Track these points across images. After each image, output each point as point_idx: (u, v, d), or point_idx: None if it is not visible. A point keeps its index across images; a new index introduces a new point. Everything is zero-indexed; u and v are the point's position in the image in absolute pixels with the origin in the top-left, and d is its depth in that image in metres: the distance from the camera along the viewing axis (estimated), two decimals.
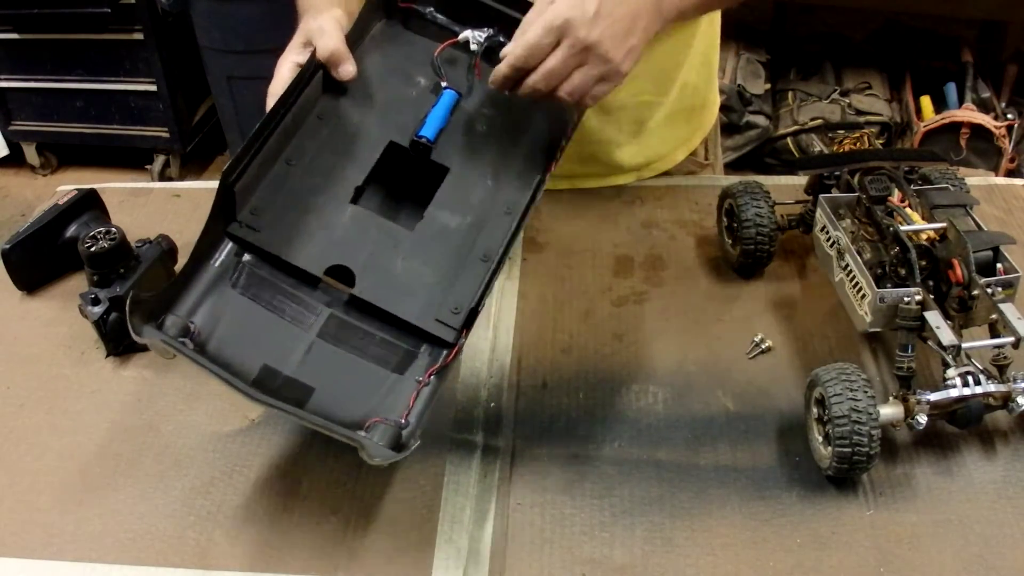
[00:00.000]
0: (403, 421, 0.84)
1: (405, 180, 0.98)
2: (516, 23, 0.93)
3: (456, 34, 1.00)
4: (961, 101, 2.77)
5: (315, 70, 0.97)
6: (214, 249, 0.91)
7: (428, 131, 0.96)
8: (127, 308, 0.81)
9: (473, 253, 0.92)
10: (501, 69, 0.93)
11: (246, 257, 0.92)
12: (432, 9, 1.03)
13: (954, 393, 0.86)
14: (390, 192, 0.99)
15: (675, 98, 1.27)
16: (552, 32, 0.89)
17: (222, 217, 0.91)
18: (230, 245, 0.92)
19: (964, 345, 0.87)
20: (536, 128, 1.01)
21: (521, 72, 0.92)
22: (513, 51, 0.91)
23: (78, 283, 1.16)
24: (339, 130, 0.98)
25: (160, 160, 3.19)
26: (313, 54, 0.97)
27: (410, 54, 1.03)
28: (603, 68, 0.91)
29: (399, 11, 1.04)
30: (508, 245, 0.92)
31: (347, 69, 0.98)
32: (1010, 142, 2.72)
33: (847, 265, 0.98)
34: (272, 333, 0.89)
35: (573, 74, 0.91)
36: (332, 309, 0.90)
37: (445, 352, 0.89)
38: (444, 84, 0.99)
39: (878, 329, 0.94)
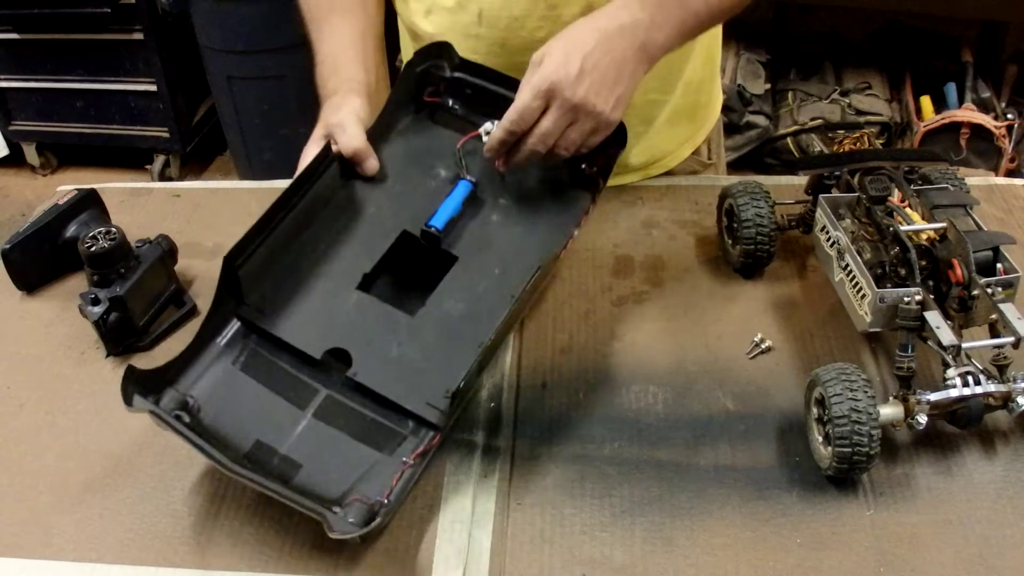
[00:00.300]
0: (384, 500, 0.86)
1: (416, 268, 1.00)
2: None
3: (479, 126, 1.02)
4: (961, 101, 2.77)
5: (329, 163, 0.99)
6: (222, 328, 0.95)
7: (438, 221, 0.98)
8: (123, 378, 0.85)
9: (471, 339, 0.93)
10: (496, 135, 0.96)
11: (252, 337, 0.95)
12: (458, 103, 1.06)
13: (954, 393, 0.86)
14: (400, 279, 1.01)
15: (679, 95, 1.27)
16: (540, 96, 0.92)
17: (230, 297, 0.94)
18: (237, 325, 0.95)
19: (964, 345, 0.87)
20: (549, 217, 1.02)
21: (516, 136, 0.95)
22: (507, 116, 0.94)
23: (78, 283, 1.16)
24: (354, 218, 1.01)
25: (160, 160, 3.19)
26: (327, 147, 0.99)
27: (433, 146, 1.05)
28: (593, 122, 0.94)
29: (427, 105, 1.07)
30: (497, 329, 0.92)
31: (371, 165, 1.02)
32: (1010, 142, 2.72)
33: (847, 265, 0.98)
34: (269, 411, 0.91)
35: (566, 132, 0.94)
36: (329, 390, 0.93)
37: (431, 435, 0.90)
38: (464, 175, 1.01)
39: (878, 329, 0.94)
